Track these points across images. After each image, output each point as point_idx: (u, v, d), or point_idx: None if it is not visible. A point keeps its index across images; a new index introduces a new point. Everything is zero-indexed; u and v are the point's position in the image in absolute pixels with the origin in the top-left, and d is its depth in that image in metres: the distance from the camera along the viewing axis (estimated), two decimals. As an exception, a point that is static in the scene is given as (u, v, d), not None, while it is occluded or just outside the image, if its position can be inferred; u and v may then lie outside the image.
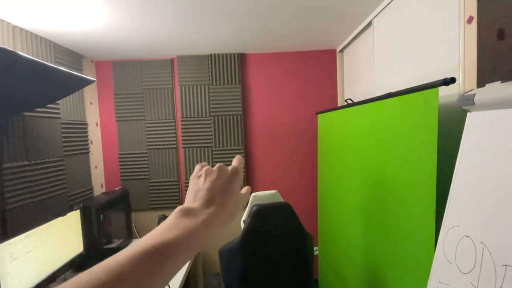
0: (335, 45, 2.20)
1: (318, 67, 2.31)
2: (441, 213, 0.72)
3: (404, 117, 1.00)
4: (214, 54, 2.24)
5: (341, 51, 2.23)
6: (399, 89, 1.04)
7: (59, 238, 1.48)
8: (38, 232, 1.34)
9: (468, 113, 0.64)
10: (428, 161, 0.86)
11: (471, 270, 0.55)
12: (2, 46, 0.95)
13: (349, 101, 1.77)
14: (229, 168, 0.43)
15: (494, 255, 0.50)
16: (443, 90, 1.03)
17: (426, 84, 0.87)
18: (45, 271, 1.39)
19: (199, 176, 0.41)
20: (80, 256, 1.64)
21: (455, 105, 0.96)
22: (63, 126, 1.86)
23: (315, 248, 2.37)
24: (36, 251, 1.32)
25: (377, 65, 1.61)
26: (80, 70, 2.08)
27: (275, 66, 2.31)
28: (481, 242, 0.53)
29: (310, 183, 2.35)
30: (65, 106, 1.89)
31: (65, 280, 1.57)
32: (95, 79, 1.55)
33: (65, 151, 1.86)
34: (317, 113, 2.18)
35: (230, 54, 2.24)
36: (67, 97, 1.92)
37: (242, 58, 2.30)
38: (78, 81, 1.40)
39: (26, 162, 1.53)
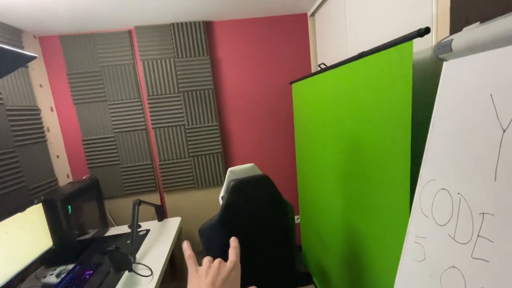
0: (305, 8, 2.08)
1: (290, 33, 2.20)
2: (417, 171, 0.72)
3: (379, 76, 0.96)
4: (177, 23, 2.03)
5: (313, 14, 2.13)
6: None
7: (22, 235, 1.36)
8: (-6, 231, 1.21)
9: (445, 62, 0.60)
10: (402, 118, 0.84)
11: (447, 222, 0.55)
12: None
13: (323, 66, 1.71)
14: (228, 263, 0.47)
15: (471, 204, 0.49)
16: (416, 46, 1.00)
17: (400, 38, 0.82)
18: (11, 271, 1.28)
19: (199, 272, 0.44)
20: (50, 252, 1.54)
21: (430, 61, 0.93)
22: (9, 113, 1.64)
23: (296, 216, 2.43)
24: (-6, 252, 1.20)
25: (349, 25, 1.54)
26: (21, 48, 1.80)
27: (244, 34, 2.16)
28: (458, 193, 0.52)
29: (288, 153, 2.35)
30: (7, 90, 1.66)
31: (36, 277, 1.47)
32: (37, 55, 1.34)
33: (16, 141, 1.66)
34: (291, 83, 2.11)
35: (195, 22, 2.05)
36: (9, 80, 1.67)
37: (208, 26, 2.12)
38: (14, 58, 1.19)
39: (-33, 157, 1.34)
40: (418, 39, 0.94)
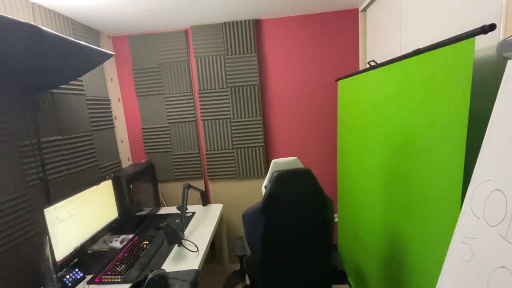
0: (357, 3, 2.04)
1: (339, 29, 2.17)
2: (468, 173, 0.70)
3: (434, 75, 0.94)
4: (229, 22, 2.16)
5: (364, 10, 2.07)
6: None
7: (96, 205, 1.62)
8: (77, 198, 1.47)
9: (509, 61, 0.58)
10: (458, 120, 0.81)
11: (500, 222, 0.54)
12: (27, 22, 0.97)
13: (372, 63, 1.67)
14: None
15: (527, 206, 0.48)
16: (479, 43, 0.94)
17: (461, 34, 0.80)
18: (87, 232, 1.54)
19: None
20: (116, 221, 1.80)
21: (494, 59, 0.88)
22: (88, 102, 1.94)
23: (335, 215, 2.41)
24: (77, 215, 1.46)
25: (404, 21, 1.48)
26: (98, 46, 2.11)
27: (292, 31, 2.20)
28: (514, 194, 0.51)
29: (329, 151, 2.34)
30: (88, 83, 1.96)
31: (104, 242, 1.74)
32: (114, 53, 1.57)
33: (92, 126, 1.96)
34: (337, 80, 2.10)
35: (245, 21, 2.15)
36: (89, 74, 1.97)
37: (257, 24, 2.21)
38: (98, 56, 1.42)
39: (59, 137, 1.64)
40: (482, 35, 0.89)
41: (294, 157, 1.31)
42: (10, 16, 0.97)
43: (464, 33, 0.78)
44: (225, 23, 2.16)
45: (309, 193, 1.26)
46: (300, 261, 1.37)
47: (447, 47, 0.87)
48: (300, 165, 1.36)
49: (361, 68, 2.19)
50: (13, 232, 1.28)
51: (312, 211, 1.28)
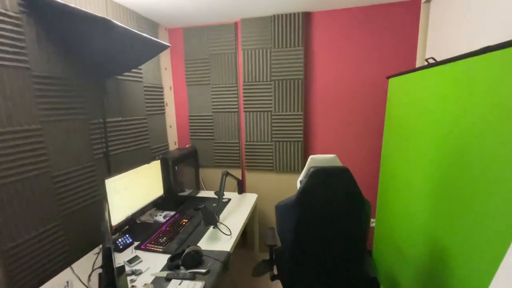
0: (420, -6, 1.86)
1: (396, 23, 2.01)
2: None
3: (501, 78, 0.83)
4: (278, 15, 2.16)
5: (428, 1, 1.87)
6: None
7: (145, 181, 1.81)
8: (131, 174, 1.66)
9: None
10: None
11: None
12: (100, 15, 1.12)
13: (431, 61, 1.52)
14: None
15: None
16: None
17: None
18: (137, 205, 1.74)
19: None
20: (161, 198, 1.99)
21: None
22: (145, 88, 2.15)
23: (372, 220, 2.30)
24: (130, 189, 1.65)
25: (475, 14, 1.32)
26: (156, 38, 2.29)
27: (344, 24, 2.11)
28: None
29: (373, 153, 2.22)
30: (145, 71, 2.16)
31: (150, 215, 1.93)
32: (170, 45, 1.70)
33: (147, 110, 2.17)
34: (388, 77, 1.96)
35: (294, 14, 2.13)
36: (147, 63, 2.17)
37: (307, 17, 2.17)
38: (156, 47, 1.56)
39: (120, 118, 1.85)
40: None
41: (333, 155, 1.29)
42: (88, 11, 1.13)
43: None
44: (274, 16, 2.17)
45: (345, 193, 1.23)
46: (329, 261, 1.36)
47: (524, 45, 0.76)
48: (338, 163, 1.33)
49: (418, 65, 2.01)
50: (82, 195, 1.51)
51: (346, 212, 1.25)
